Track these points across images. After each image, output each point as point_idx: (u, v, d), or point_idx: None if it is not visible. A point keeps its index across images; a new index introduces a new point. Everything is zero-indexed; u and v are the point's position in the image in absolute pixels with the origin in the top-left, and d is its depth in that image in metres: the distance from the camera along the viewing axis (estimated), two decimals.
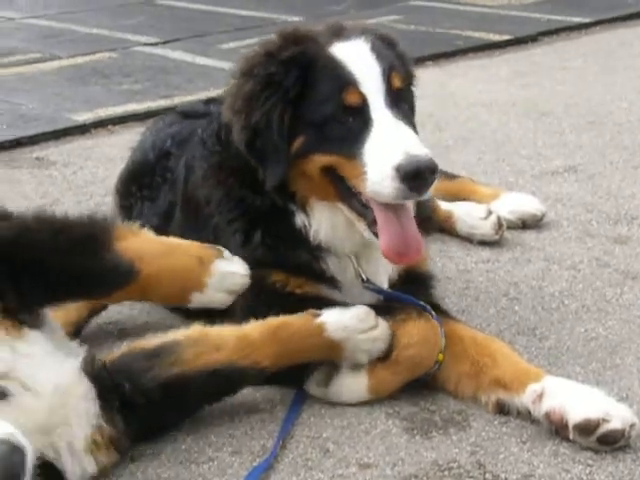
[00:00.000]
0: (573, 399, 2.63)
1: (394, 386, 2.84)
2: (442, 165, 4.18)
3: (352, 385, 2.84)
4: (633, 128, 5.43)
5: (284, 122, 2.84)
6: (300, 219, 2.94)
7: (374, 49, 2.88)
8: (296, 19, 9.16)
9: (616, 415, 2.57)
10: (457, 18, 8.80)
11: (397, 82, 2.86)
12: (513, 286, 3.61)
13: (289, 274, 2.95)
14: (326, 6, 9.72)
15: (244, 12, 9.47)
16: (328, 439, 2.73)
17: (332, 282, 2.98)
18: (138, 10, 9.68)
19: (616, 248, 3.88)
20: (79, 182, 4.94)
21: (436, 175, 2.73)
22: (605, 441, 2.57)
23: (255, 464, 2.62)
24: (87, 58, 7.58)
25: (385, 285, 3.03)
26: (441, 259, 3.85)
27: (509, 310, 3.43)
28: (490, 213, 3.98)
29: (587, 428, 2.57)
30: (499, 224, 3.96)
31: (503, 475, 2.53)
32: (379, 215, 2.80)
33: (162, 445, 2.74)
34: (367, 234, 2.87)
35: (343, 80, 2.83)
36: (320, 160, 2.85)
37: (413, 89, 3.09)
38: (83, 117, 5.96)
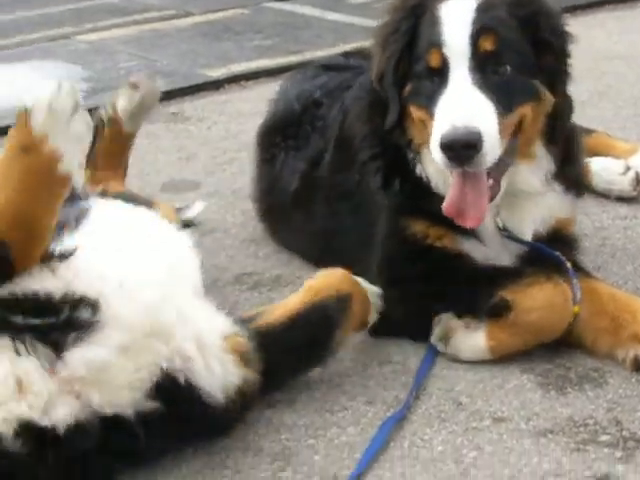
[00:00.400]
0: None
1: (516, 348, 2.82)
2: (577, 120, 4.13)
3: (471, 345, 2.84)
4: None
5: (398, 68, 2.92)
6: (419, 168, 2.96)
7: (480, 9, 2.82)
8: None
9: None
10: None
11: (487, 45, 2.77)
12: None
13: (429, 225, 2.94)
14: None
15: None
16: (461, 392, 2.74)
17: (471, 233, 2.95)
18: None
19: None
20: (213, 137, 5.04)
21: (475, 150, 2.65)
22: None
23: (389, 414, 2.66)
24: (219, 15, 7.68)
25: (528, 237, 2.99)
26: (577, 215, 3.77)
27: None
28: (628, 169, 3.88)
29: None
30: (637, 180, 3.86)
31: None
32: (452, 174, 2.81)
33: (296, 393, 2.80)
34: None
35: (431, 40, 2.83)
36: (415, 112, 2.89)
37: (562, 47, 3.01)
38: (217, 73, 6.06)
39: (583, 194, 3.29)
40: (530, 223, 3.01)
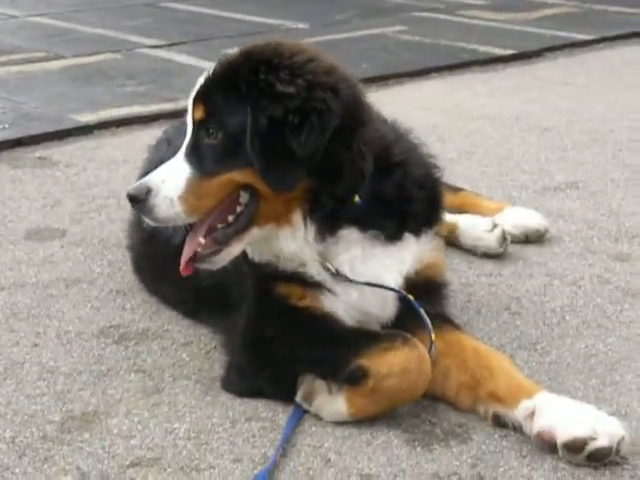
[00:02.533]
0: (563, 417, 2.63)
1: (375, 413, 2.83)
2: (446, 178, 4.23)
3: (332, 409, 2.84)
4: (635, 147, 5.45)
5: None
6: None
7: (208, 78, 2.89)
8: (301, 26, 9.20)
9: (603, 432, 2.58)
10: (461, 31, 8.83)
11: (197, 113, 2.87)
12: (515, 300, 3.62)
13: (291, 285, 2.96)
14: (331, 14, 9.75)
15: (249, 17, 9.49)
16: (329, 449, 2.73)
17: (320, 286, 2.97)
18: (143, 12, 9.70)
19: (617, 265, 3.90)
20: (82, 183, 4.94)
21: (142, 204, 2.85)
22: (594, 458, 2.58)
23: (256, 472, 2.62)
24: (91, 58, 7.60)
25: (394, 285, 2.99)
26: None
27: (510, 324, 3.43)
28: (495, 226, 3.99)
29: (575, 447, 2.58)
30: (504, 237, 3.97)
31: None
32: None
33: (162, 450, 2.74)
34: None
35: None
36: None
37: (295, 118, 2.75)
38: (86, 118, 5.97)
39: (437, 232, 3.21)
40: (391, 268, 3.01)
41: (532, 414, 2.68)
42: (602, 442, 2.56)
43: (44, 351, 3.30)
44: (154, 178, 2.88)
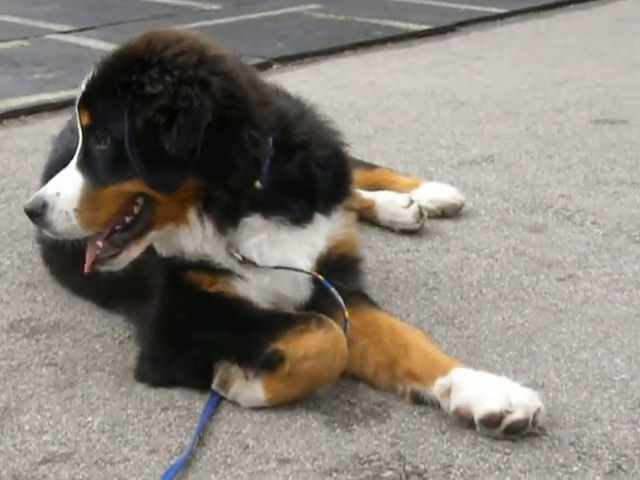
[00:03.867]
0: (478, 392, 2.62)
1: (292, 397, 2.80)
2: (362, 155, 4.22)
3: (249, 395, 2.80)
4: (547, 118, 5.50)
5: None
6: None
7: (88, 82, 2.81)
8: (215, 7, 9.08)
9: (519, 405, 2.57)
10: (376, 8, 8.83)
11: (83, 119, 2.80)
12: (432, 276, 3.61)
13: (199, 274, 2.91)
14: None
15: (161, 0, 9.34)
16: (247, 435, 2.69)
17: (230, 273, 2.92)
18: None
19: (532, 236, 3.92)
20: None
21: (34, 219, 2.83)
22: (511, 431, 2.58)
23: (172, 462, 2.56)
24: None
25: (306, 268, 2.95)
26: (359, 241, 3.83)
27: (428, 300, 3.43)
28: (411, 202, 3.98)
29: (491, 421, 2.57)
30: (420, 213, 3.97)
31: (422, 466, 2.52)
32: None
33: (75, 444, 2.67)
34: None
35: None
36: None
37: (162, 118, 2.67)
38: None
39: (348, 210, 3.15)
40: (300, 251, 2.96)
41: (448, 391, 2.66)
42: (518, 415, 2.56)
43: None
44: (49, 191, 2.82)
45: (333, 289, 2.91)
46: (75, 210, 2.77)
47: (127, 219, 2.83)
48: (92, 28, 8.02)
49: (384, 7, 8.84)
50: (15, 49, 7.31)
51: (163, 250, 2.94)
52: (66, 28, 8.01)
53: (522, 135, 5.21)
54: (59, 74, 6.59)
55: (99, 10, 8.90)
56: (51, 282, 3.64)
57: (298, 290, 2.98)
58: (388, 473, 2.50)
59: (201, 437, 2.67)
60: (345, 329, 2.82)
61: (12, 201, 4.44)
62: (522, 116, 5.54)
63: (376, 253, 3.82)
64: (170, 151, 2.67)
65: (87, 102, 2.80)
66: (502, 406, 2.57)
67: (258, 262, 2.90)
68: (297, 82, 5.75)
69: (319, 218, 2.99)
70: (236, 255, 2.88)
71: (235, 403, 2.81)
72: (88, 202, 2.78)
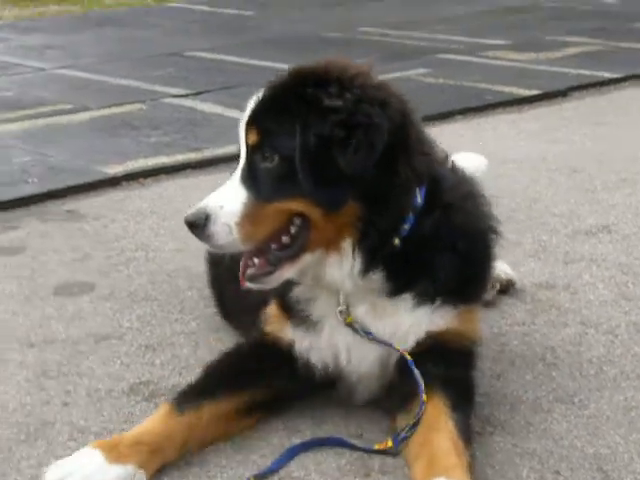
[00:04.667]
0: None
1: None
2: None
3: None
4: None
5: None
6: None
7: (258, 100, 2.87)
8: None
9: None
10: (485, 72, 8.82)
11: (251, 137, 2.82)
12: (550, 350, 3.55)
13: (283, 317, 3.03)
14: (353, 60, 9.77)
15: (275, 64, 9.51)
16: None
17: (310, 320, 2.99)
18: (167, 61, 9.76)
19: None
20: (109, 236, 4.94)
21: (201, 229, 2.81)
22: None
23: None
24: (116, 109, 7.64)
25: (401, 344, 2.95)
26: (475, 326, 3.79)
27: (546, 376, 3.36)
28: None
29: None
30: (492, 285, 3.89)
31: None
32: None
33: None
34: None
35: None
36: None
37: (342, 133, 2.70)
38: (113, 170, 5.98)
39: (474, 303, 3.11)
40: (397, 327, 2.95)
41: None
42: None
43: (74, 410, 3.26)
44: (212, 203, 2.82)
45: (417, 371, 2.87)
46: (237, 224, 2.78)
47: (284, 238, 2.84)
48: (207, 92, 8.22)
49: (493, 72, 8.83)
50: (133, 112, 7.55)
51: (304, 277, 2.94)
52: (181, 92, 8.25)
53: None
54: (174, 137, 6.78)
55: (214, 74, 9.13)
56: (169, 345, 3.71)
57: (362, 364, 2.99)
58: None
59: None
60: (420, 412, 2.79)
61: (131, 263, 4.55)
62: None
63: (490, 325, 3.78)
64: (344, 168, 2.68)
65: (255, 120, 2.84)
66: None
67: (364, 326, 2.91)
68: None
69: (437, 304, 2.95)
70: (347, 312, 2.92)
71: (349, 477, 2.80)
72: (250, 217, 2.79)
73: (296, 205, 2.78)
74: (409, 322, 2.95)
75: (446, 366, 2.96)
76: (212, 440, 3.00)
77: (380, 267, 2.87)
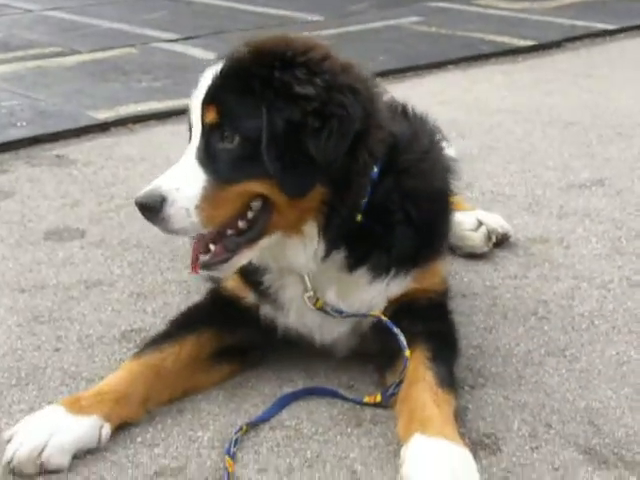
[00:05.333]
0: (412, 473, 2.46)
1: None
2: (466, 175, 4.13)
3: None
4: None
5: None
6: None
7: (215, 77, 2.74)
8: (316, 18, 9.12)
9: None
10: (478, 21, 8.75)
11: (209, 116, 2.71)
12: (542, 304, 3.55)
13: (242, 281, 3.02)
14: (345, 6, 9.68)
15: (264, 9, 9.43)
16: (355, 460, 2.67)
17: (275, 301, 3.00)
18: (158, 5, 9.65)
19: None
20: (100, 182, 4.90)
21: (155, 212, 2.65)
22: None
23: None
24: (107, 53, 7.55)
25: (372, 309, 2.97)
26: (467, 274, 3.80)
27: (538, 330, 3.37)
28: (480, 224, 3.92)
29: None
30: (489, 236, 3.90)
31: None
32: None
33: (186, 459, 2.70)
34: None
35: (188, 102, 2.83)
36: None
37: (315, 122, 2.64)
38: (103, 115, 5.93)
39: (431, 262, 3.07)
40: (362, 300, 2.96)
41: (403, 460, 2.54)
42: None
43: (65, 356, 3.26)
44: (167, 185, 2.68)
45: (397, 329, 2.87)
46: (196, 207, 2.66)
47: (240, 223, 2.76)
48: (197, 37, 8.13)
49: (486, 21, 8.75)
50: (124, 57, 7.46)
51: (263, 261, 2.93)
52: (172, 36, 8.14)
53: (635, 159, 5.08)
54: (165, 83, 6.71)
55: (204, 19, 9.02)
56: (161, 293, 3.69)
57: (330, 333, 3.03)
58: None
59: (308, 459, 2.68)
60: (404, 367, 2.80)
61: (121, 210, 4.52)
62: (635, 138, 5.41)
63: (483, 278, 3.78)
64: (316, 156, 2.63)
65: (214, 98, 2.71)
66: None
67: (335, 307, 2.93)
68: (399, 96, 5.71)
69: (400, 272, 2.95)
70: (316, 296, 2.92)
71: (344, 426, 2.81)
72: (209, 200, 2.67)
73: (258, 187, 2.70)
74: (370, 295, 2.96)
75: (421, 322, 2.96)
76: (184, 390, 2.98)
77: (342, 246, 2.86)
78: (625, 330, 3.35)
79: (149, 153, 5.31)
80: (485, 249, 3.91)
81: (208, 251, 2.79)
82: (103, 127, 5.78)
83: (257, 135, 2.66)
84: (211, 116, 2.71)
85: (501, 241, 3.98)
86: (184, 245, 4.00)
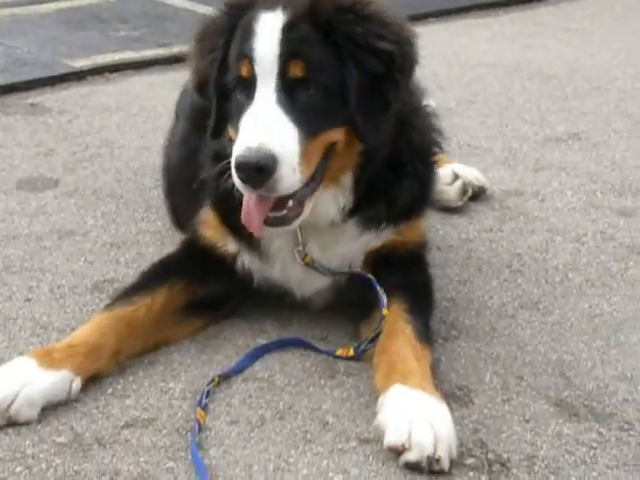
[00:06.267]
0: (390, 419, 2.48)
1: None
2: (444, 129, 4.10)
3: None
4: (639, 96, 5.35)
5: (220, 75, 2.82)
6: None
7: (287, 27, 2.67)
8: None
9: (416, 444, 2.41)
10: None
11: (295, 70, 2.65)
12: (516, 257, 3.55)
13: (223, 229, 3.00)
14: None
15: None
16: (327, 411, 2.68)
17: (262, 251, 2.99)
18: None
19: (621, 221, 3.84)
20: (74, 131, 4.83)
21: (268, 174, 2.55)
22: (410, 469, 2.44)
23: (253, 434, 2.57)
24: (84, 1, 7.41)
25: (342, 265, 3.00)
26: (443, 227, 3.79)
27: (512, 282, 3.38)
28: (456, 178, 3.91)
29: (393, 453, 2.46)
30: (464, 190, 3.90)
31: (506, 455, 2.49)
32: None
33: (157, 411, 2.69)
34: None
35: (242, 51, 2.72)
36: (229, 127, 2.85)
37: (396, 74, 2.73)
38: (79, 63, 5.83)
39: (417, 218, 3.10)
40: (343, 254, 2.97)
41: (382, 405, 2.57)
42: (411, 456, 2.42)
43: (37, 306, 3.23)
44: (273, 142, 2.56)
45: (379, 288, 2.87)
46: (299, 164, 2.60)
47: None
48: None
49: None
50: (101, 5, 7.32)
51: None
52: None
53: (611, 113, 5.08)
54: (143, 32, 6.61)
55: None
56: (134, 244, 3.67)
57: (308, 286, 3.04)
58: (470, 460, 2.48)
59: (280, 410, 2.68)
60: (379, 325, 2.81)
61: (96, 160, 4.47)
62: (612, 93, 5.40)
63: (458, 230, 3.78)
64: (394, 104, 2.74)
65: (300, 51, 2.66)
66: (400, 441, 2.43)
67: (319, 266, 2.93)
68: None
69: (389, 225, 2.98)
70: (300, 251, 2.92)
71: (315, 379, 2.81)
72: (303, 154, 2.62)
73: (337, 136, 2.73)
74: (352, 248, 2.97)
75: (398, 273, 2.97)
76: (156, 342, 2.97)
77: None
78: (598, 283, 3.36)
79: (125, 103, 5.24)
80: (460, 203, 3.90)
81: (281, 207, 2.72)
82: (79, 75, 5.68)
83: (339, 86, 2.68)
84: (297, 69, 2.66)
85: (477, 194, 3.97)
86: (158, 195, 3.97)
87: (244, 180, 2.59)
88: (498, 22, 7.17)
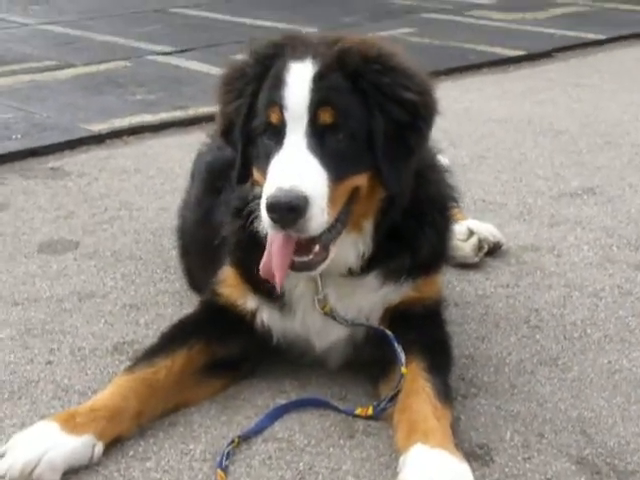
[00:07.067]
0: (418, 478, 2.48)
1: None
2: (458, 184, 4.15)
3: None
4: None
5: (246, 121, 2.87)
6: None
7: (318, 76, 2.75)
8: (311, 30, 9.13)
9: None
10: (470, 32, 8.78)
11: (325, 116, 2.72)
12: (534, 313, 3.56)
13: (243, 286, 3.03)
14: (339, 17, 9.70)
15: (259, 22, 9.45)
16: (348, 472, 2.67)
17: (282, 305, 3.00)
18: (152, 18, 9.67)
19: (638, 275, 3.84)
20: (94, 194, 4.90)
21: (299, 214, 2.59)
22: None
23: None
24: (101, 67, 7.56)
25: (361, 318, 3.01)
26: (460, 283, 3.81)
27: (530, 339, 3.38)
28: (471, 234, 3.93)
29: None
30: (480, 246, 3.92)
31: None
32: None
33: (177, 473, 2.69)
34: None
35: (272, 98, 2.78)
36: (255, 172, 2.90)
37: (420, 123, 2.81)
38: (98, 127, 5.93)
39: (435, 273, 3.14)
40: (361, 306, 2.99)
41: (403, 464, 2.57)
42: None
43: (58, 369, 3.25)
44: (305, 184, 2.62)
45: (398, 345, 2.89)
46: (327, 206, 2.66)
47: None
48: (192, 50, 8.14)
49: (478, 32, 8.79)
50: (118, 70, 7.47)
51: None
52: (166, 49, 8.16)
53: (625, 167, 5.11)
54: (159, 95, 6.72)
55: (199, 31, 9.04)
56: (153, 305, 3.70)
57: (327, 338, 3.04)
58: None
59: (301, 471, 2.68)
60: (398, 383, 2.81)
61: (115, 222, 4.52)
62: (625, 147, 5.44)
63: (475, 287, 3.79)
64: (416, 152, 2.82)
65: (330, 99, 2.73)
66: None
67: (337, 316, 2.95)
68: None
69: (408, 279, 3.00)
70: (319, 298, 2.94)
71: (334, 437, 2.82)
72: (330, 197, 2.67)
73: (361, 181, 2.79)
74: (371, 301, 2.99)
75: (416, 330, 2.98)
76: (176, 404, 2.98)
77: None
78: (617, 339, 3.36)
79: (143, 165, 5.32)
80: (475, 259, 3.92)
81: (307, 251, 2.76)
82: (98, 139, 5.79)
83: (365, 133, 2.76)
84: (327, 116, 2.73)
85: (493, 250, 3.99)
86: (176, 256, 4.00)
87: (276, 220, 2.63)
88: (508, 79, 7.25)
